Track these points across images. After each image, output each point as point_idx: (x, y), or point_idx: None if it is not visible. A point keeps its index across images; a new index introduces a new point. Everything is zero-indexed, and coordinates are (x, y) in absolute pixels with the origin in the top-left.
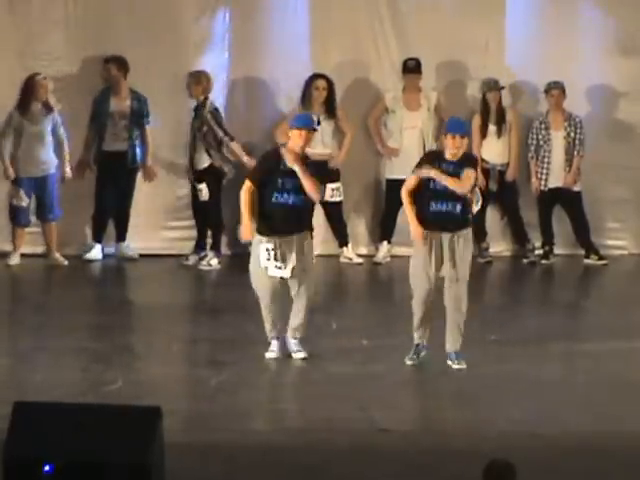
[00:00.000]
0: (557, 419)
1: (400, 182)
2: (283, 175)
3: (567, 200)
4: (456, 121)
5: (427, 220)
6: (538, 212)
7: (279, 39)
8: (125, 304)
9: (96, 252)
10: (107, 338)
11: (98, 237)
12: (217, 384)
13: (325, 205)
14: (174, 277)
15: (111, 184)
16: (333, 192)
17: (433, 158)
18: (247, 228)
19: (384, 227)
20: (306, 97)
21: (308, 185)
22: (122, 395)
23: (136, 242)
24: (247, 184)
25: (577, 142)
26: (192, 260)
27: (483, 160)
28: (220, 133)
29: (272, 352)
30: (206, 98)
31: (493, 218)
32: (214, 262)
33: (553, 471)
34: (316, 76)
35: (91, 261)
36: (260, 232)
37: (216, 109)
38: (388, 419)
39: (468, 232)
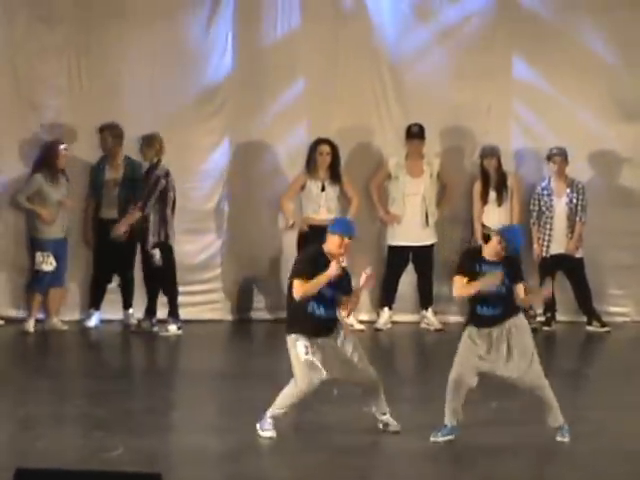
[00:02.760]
0: None
1: (401, 248)
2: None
3: (569, 267)
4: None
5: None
6: (539, 278)
7: (281, 103)
8: (125, 370)
9: (95, 319)
10: (108, 404)
11: (96, 304)
12: (219, 451)
13: None
14: (174, 342)
15: (110, 252)
16: None
17: (474, 258)
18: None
19: (385, 293)
20: (311, 162)
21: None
22: (123, 462)
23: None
24: (297, 283)
25: (579, 208)
26: (145, 325)
27: (484, 226)
28: (146, 195)
29: (267, 431)
30: (159, 160)
31: None
32: (173, 328)
33: None
34: (320, 141)
35: (90, 328)
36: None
37: (167, 173)
38: None
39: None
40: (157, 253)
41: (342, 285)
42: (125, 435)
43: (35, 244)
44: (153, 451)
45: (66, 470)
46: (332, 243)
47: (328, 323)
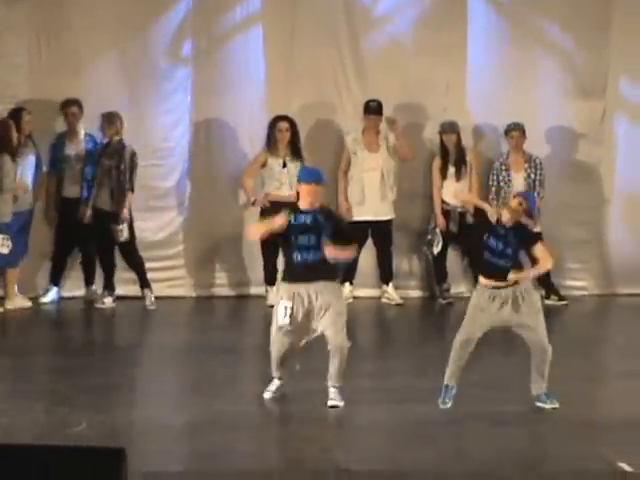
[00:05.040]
0: (518, 459)
1: (361, 223)
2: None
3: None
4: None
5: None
6: None
7: (241, 82)
8: (88, 346)
9: (52, 295)
10: (71, 380)
11: (55, 280)
12: (182, 425)
13: None
14: (136, 318)
15: (73, 230)
16: None
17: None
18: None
19: (346, 268)
20: (271, 140)
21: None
22: (87, 437)
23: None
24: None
25: (537, 183)
26: (107, 303)
27: (443, 202)
28: (127, 177)
29: (268, 391)
30: (121, 139)
31: (454, 259)
32: (152, 298)
33: None
34: (278, 118)
35: (47, 304)
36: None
37: (134, 153)
38: (351, 459)
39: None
40: (125, 229)
41: (314, 231)
42: (88, 410)
43: None
44: (116, 426)
45: (29, 445)
46: (302, 192)
47: (312, 265)
